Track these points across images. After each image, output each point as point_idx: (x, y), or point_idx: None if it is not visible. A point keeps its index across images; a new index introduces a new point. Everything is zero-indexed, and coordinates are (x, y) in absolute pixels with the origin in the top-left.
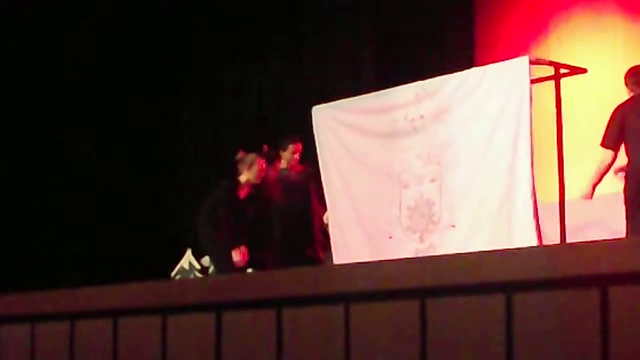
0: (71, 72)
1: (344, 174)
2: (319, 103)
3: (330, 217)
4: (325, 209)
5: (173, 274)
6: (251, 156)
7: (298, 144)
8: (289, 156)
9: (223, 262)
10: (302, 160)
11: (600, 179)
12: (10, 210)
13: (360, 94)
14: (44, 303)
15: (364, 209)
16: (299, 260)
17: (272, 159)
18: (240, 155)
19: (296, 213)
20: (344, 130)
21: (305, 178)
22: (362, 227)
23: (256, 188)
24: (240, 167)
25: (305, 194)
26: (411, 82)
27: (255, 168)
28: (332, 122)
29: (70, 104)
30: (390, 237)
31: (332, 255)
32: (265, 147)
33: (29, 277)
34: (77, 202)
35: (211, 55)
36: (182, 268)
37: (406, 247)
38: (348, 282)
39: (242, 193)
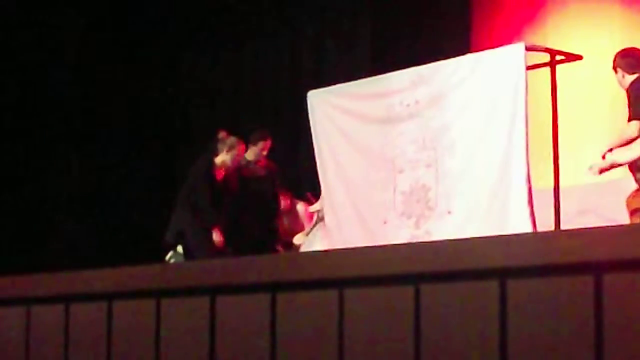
0: (60, 55)
1: (339, 159)
2: (315, 88)
3: (325, 202)
4: (284, 211)
5: (167, 257)
6: (232, 139)
7: (268, 140)
8: (257, 151)
9: (201, 246)
10: (270, 156)
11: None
12: (4, 191)
13: (356, 79)
14: (39, 286)
15: (358, 194)
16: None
17: (232, 145)
18: (222, 135)
19: (257, 206)
20: (339, 115)
21: (268, 174)
22: (357, 212)
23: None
24: (220, 147)
25: (269, 188)
26: (407, 67)
27: (233, 152)
28: (328, 107)
29: (65, 87)
30: (385, 223)
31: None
32: (220, 132)
33: (24, 259)
34: (71, 185)
35: (207, 37)
36: (176, 252)
37: (401, 233)
38: (342, 267)
39: (219, 175)
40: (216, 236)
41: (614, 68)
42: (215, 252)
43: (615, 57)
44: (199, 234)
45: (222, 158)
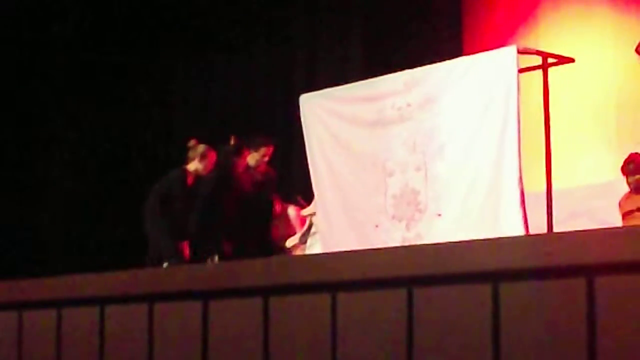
0: (48, 63)
1: (331, 162)
2: (307, 91)
3: (317, 206)
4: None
5: None
6: (202, 147)
7: (270, 147)
8: (258, 157)
9: (168, 251)
10: (271, 162)
11: None
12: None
13: (348, 82)
14: (31, 290)
15: (350, 198)
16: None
17: (240, 150)
18: (192, 143)
19: (255, 211)
20: (331, 118)
21: (267, 180)
22: (349, 215)
23: (224, 179)
24: (191, 155)
25: (265, 195)
26: (399, 71)
27: (206, 160)
28: (320, 110)
29: (58, 89)
30: (377, 226)
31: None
32: (232, 138)
33: (16, 263)
34: (66, 189)
35: (199, 41)
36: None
37: (393, 236)
38: (335, 271)
39: (189, 181)
40: (184, 247)
41: (637, 52)
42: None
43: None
44: (171, 243)
45: (195, 166)
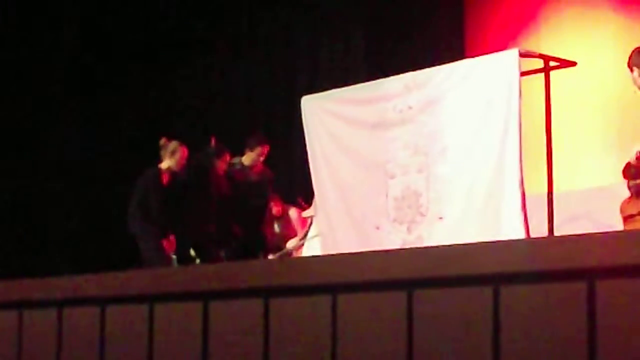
0: (48, 63)
1: (332, 165)
2: (309, 93)
3: (318, 208)
4: (275, 217)
5: None
6: (174, 144)
7: (265, 147)
8: (254, 156)
9: (155, 252)
10: (267, 162)
11: None
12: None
13: (350, 84)
14: (32, 290)
15: (351, 200)
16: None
17: (220, 152)
18: (163, 141)
19: (250, 211)
20: (332, 120)
21: (264, 179)
22: (350, 217)
23: (200, 179)
24: (163, 153)
25: (261, 194)
26: (401, 73)
27: (177, 156)
28: (321, 112)
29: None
30: (378, 228)
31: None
32: (212, 140)
33: (16, 263)
34: (65, 188)
35: (200, 42)
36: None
37: (393, 238)
38: (335, 273)
39: (164, 180)
40: (167, 244)
41: (630, 66)
42: (168, 258)
43: (632, 54)
44: (154, 241)
45: (167, 164)
